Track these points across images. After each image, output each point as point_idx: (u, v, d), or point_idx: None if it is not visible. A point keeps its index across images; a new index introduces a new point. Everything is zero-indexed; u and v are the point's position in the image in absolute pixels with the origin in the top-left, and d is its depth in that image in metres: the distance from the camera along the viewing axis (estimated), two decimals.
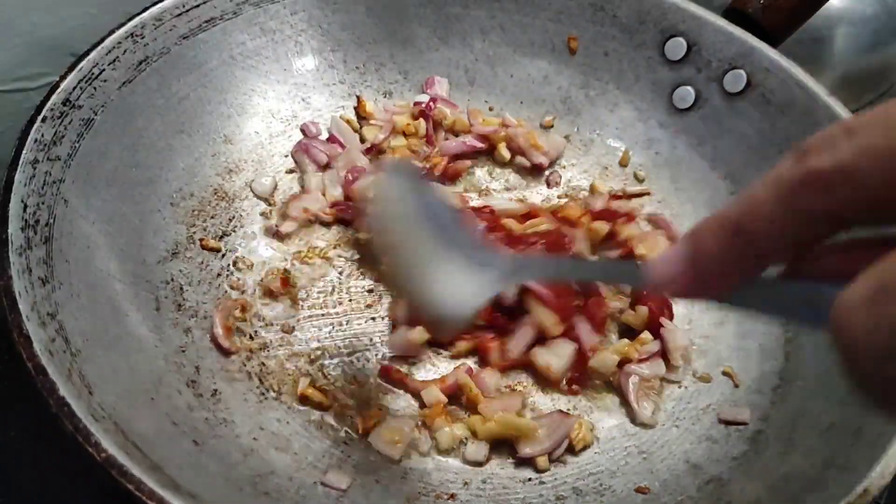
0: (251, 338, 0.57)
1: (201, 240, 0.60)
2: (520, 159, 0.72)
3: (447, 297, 0.43)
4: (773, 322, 0.61)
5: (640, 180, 0.73)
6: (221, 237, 0.62)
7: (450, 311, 0.43)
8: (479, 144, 0.72)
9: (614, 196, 0.69)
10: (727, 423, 0.56)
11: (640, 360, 0.58)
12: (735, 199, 0.28)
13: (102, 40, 0.57)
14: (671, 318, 0.61)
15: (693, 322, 0.63)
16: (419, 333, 0.57)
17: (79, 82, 0.54)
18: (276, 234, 0.63)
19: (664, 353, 0.59)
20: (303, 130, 0.70)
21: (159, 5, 0.61)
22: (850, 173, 0.24)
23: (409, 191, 0.46)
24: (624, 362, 0.58)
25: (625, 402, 0.57)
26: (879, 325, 0.22)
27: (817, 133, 0.25)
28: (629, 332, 0.61)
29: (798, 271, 0.29)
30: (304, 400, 0.54)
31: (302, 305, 0.60)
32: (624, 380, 0.57)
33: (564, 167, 0.74)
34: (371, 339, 0.58)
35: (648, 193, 0.71)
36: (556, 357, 0.57)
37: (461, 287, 0.43)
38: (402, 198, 0.46)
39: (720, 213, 0.28)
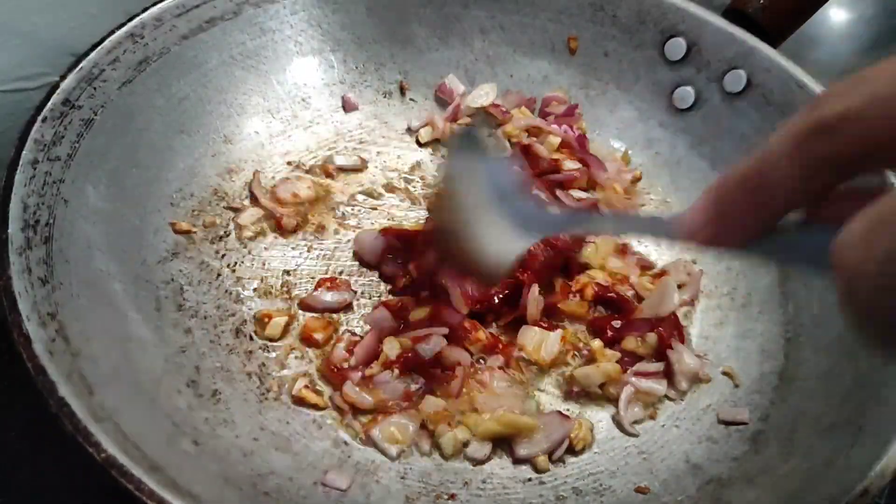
0: (251, 338, 0.57)
1: (200, 238, 0.60)
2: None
3: (492, 247, 0.49)
4: (773, 322, 0.61)
5: (637, 180, 0.72)
6: (221, 238, 0.62)
7: (493, 261, 0.50)
8: None
9: None
10: (727, 423, 0.56)
11: (643, 374, 0.57)
12: (752, 152, 0.29)
13: (102, 40, 0.57)
14: (682, 340, 0.59)
15: (693, 323, 0.63)
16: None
17: (79, 82, 0.54)
18: (279, 226, 0.63)
19: (669, 374, 0.58)
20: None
21: (159, 5, 0.61)
22: (856, 119, 0.25)
23: (472, 154, 0.52)
24: (625, 367, 0.58)
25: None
26: (870, 255, 0.24)
27: (830, 84, 0.26)
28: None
29: (813, 219, 0.31)
30: (299, 401, 0.54)
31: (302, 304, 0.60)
32: (621, 386, 0.57)
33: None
34: None
35: None
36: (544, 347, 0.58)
37: (504, 238, 0.49)
38: (466, 160, 0.52)
39: (739, 166, 0.30)
